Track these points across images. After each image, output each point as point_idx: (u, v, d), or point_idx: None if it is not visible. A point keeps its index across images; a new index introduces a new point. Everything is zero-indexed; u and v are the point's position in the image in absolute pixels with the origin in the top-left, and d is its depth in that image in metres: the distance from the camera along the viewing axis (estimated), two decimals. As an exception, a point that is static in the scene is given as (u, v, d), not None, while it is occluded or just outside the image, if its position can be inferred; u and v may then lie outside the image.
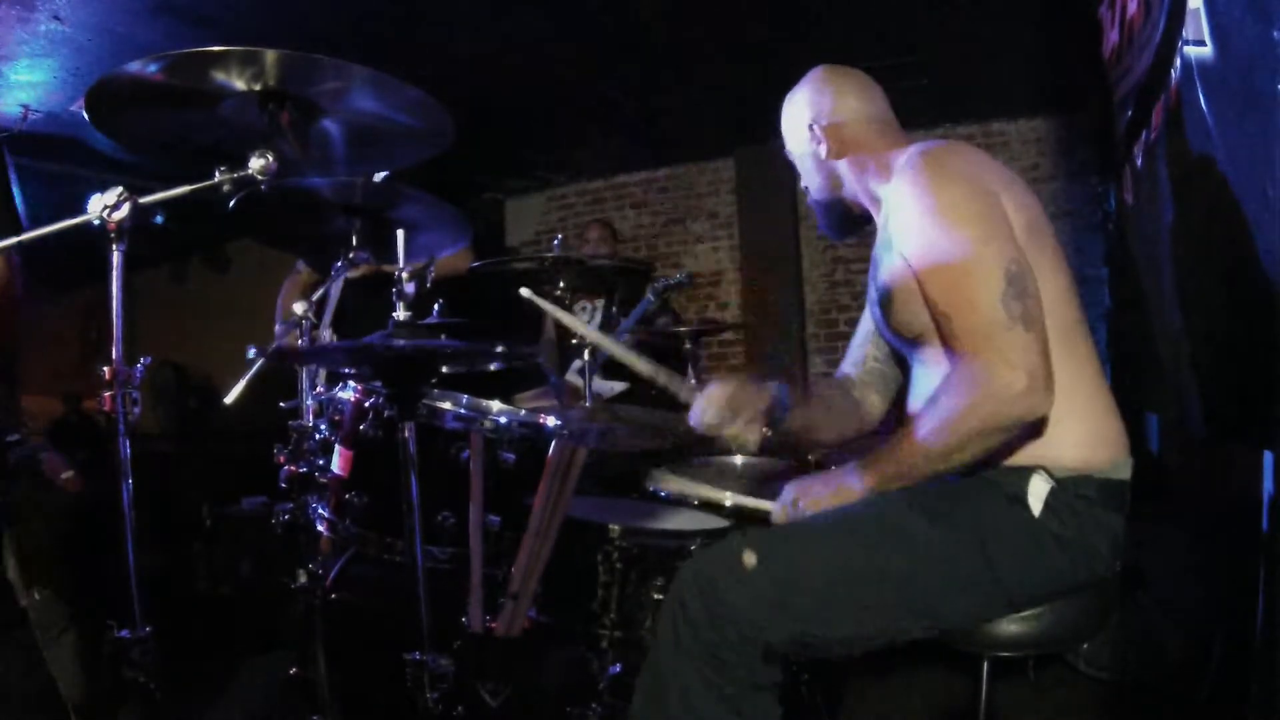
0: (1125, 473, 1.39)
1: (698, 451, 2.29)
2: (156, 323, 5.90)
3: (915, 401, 1.54)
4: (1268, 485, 1.64)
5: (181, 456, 5.05)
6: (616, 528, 1.77)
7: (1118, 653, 2.48)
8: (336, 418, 1.90)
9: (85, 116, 1.52)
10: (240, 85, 1.52)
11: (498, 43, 3.99)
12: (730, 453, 2.45)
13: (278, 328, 2.85)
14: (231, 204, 1.60)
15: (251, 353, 1.51)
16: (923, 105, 4.89)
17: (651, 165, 6.32)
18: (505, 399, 1.94)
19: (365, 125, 1.69)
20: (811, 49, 1.73)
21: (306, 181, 1.64)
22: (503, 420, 1.76)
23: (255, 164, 1.50)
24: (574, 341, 2.00)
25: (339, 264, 1.73)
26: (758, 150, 5.68)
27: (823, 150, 1.61)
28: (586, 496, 2.04)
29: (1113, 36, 2.87)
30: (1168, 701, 2.38)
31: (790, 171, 1.75)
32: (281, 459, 1.84)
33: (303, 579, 1.84)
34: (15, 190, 1.87)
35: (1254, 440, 1.67)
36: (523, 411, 1.81)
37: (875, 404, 1.76)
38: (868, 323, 1.76)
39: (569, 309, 3.20)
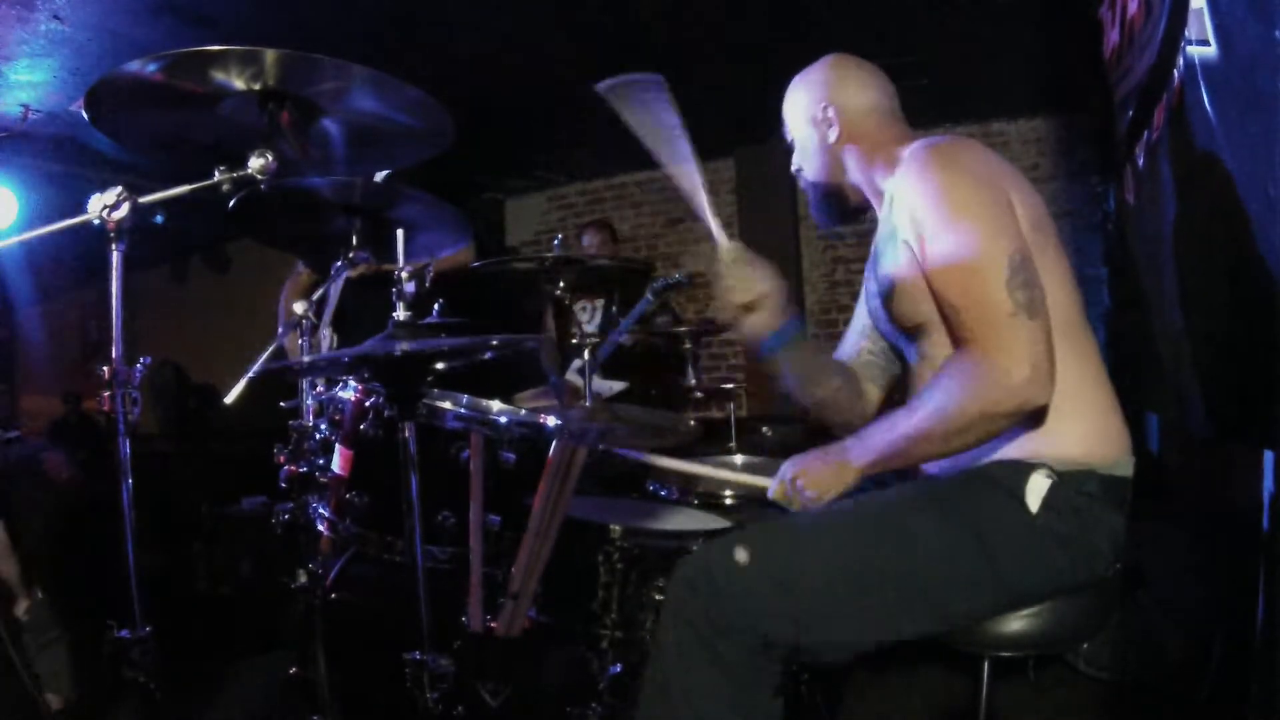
0: (1127, 470, 1.39)
1: (697, 451, 2.30)
2: (156, 323, 5.90)
3: (913, 394, 1.54)
4: (1268, 485, 1.64)
5: (181, 456, 5.05)
6: (618, 528, 1.77)
7: (1118, 653, 2.47)
8: (337, 417, 1.90)
9: (85, 116, 1.52)
10: (240, 85, 1.52)
11: (498, 43, 3.99)
12: (730, 452, 2.45)
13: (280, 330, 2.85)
14: (231, 204, 1.59)
15: (256, 367, 1.51)
16: (923, 105, 4.84)
17: (651, 165, 6.26)
18: (505, 399, 1.94)
19: (365, 125, 1.69)
20: (811, 49, 1.73)
21: (306, 181, 1.64)
22: (503, 420, 1.76)
23: (255, 164, 1.49)
24: (574, 341, 2.00)
25: (339, 264, 1.73)
26: (758, 150, 5.68)
27: (832, 134, 1.61)
28: (586, 496, 2.04)
29: (1113, 37, 2.87)
30: (1168, 701, 2.37)
31: (791, 172, 1.75)
32: (281, 459, 1.84)
33: (303, 579, 1.84)
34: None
35: (1255, 440, 1.67)
36: (523, 411, 1.81)
37: (872, 394, 1.76)
38: (862, 316, 1.75)
39: (569, 309, 3.22)
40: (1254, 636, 1.61)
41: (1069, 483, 1.33)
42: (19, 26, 3.48)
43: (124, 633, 1.48)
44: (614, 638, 1.75)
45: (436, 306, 1.82)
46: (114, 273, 1.45)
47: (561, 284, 1.98)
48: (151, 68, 1.43)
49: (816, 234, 5.91)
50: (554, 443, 1.69)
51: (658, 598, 1.73)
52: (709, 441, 3.02)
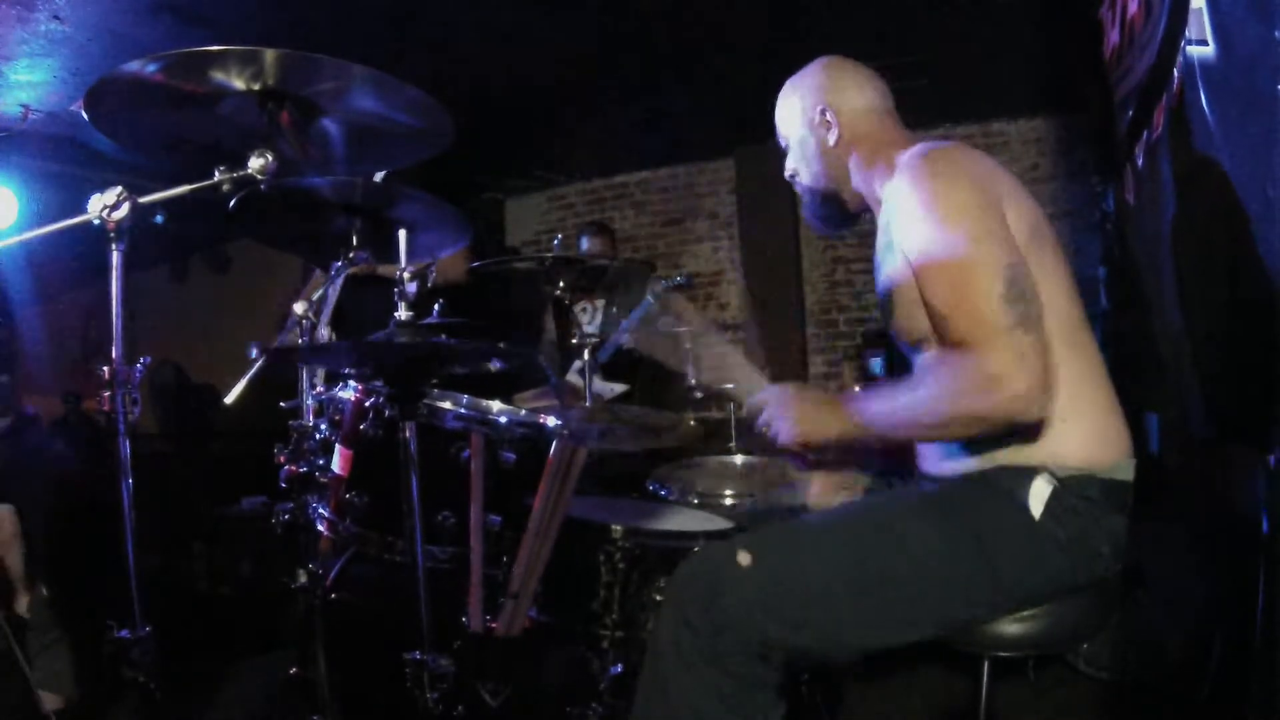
0: (1128, 474, 1.39)
1: (697, 451, 2.30)
2: (156, 323, 5.89)
3: None
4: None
5: (181, 456, 5.05)
6: (619, 528, 1.77)
7: (1118, 653, 2.47)
8: (337, 417, 1.90)
9: (85, 116, 1.52)
10: (240, 85, 1.52)
11: (498, 43, 3.99)
12: (730, 452, 2.45)
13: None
14: (231, 204, 1.59)
15: (253, 352, 1.51)
16: (923, 105, 4.86)
17: (651, 165, 6.32)
18: (505, 399, 1.94)
19: (365, 125, 1.69)
20: (811, 49, 1.72)
21: (306, 181, 1.64)
22: (503, 420, 1.76)
23: (255, 163, 1.49)
24: (574, 342, 1.99)
25: (339, 264, 1.73)
26: (758, 150, 5.68)
27: (831, 136, 1.59)
28: (586, 496, 2.04)
29: (1113, 37, 2.87)
30: (1168, 701, 2.37)
31: (787, 174, 1.74)
32: (282, 459, 1.84)
33: (303, 579, 1.84)
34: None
35: (1254, 440, 1.67)
36: (523, 412, 1.81)
37: None
38: None
39: (569, 309, 3.22)
40: (1254, 636, 1.61)
41: (1070, 487, 1.33)
42: (19, 26, 3.48)
43: (124, 633, 1.48)
44: (615, 637, 1.75)
45: (436, 307, 1.82)
46: (114, 273, 1.45)
47: (561, 284, 1.98)
48: (151, 68, 1.43)
49: (816, 234, 5.91)
50: (554, 443, 1.69)
51: (658, 598, 1.74)
52: (709, 441, 3.01)
